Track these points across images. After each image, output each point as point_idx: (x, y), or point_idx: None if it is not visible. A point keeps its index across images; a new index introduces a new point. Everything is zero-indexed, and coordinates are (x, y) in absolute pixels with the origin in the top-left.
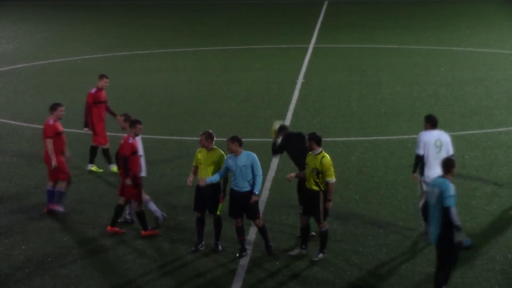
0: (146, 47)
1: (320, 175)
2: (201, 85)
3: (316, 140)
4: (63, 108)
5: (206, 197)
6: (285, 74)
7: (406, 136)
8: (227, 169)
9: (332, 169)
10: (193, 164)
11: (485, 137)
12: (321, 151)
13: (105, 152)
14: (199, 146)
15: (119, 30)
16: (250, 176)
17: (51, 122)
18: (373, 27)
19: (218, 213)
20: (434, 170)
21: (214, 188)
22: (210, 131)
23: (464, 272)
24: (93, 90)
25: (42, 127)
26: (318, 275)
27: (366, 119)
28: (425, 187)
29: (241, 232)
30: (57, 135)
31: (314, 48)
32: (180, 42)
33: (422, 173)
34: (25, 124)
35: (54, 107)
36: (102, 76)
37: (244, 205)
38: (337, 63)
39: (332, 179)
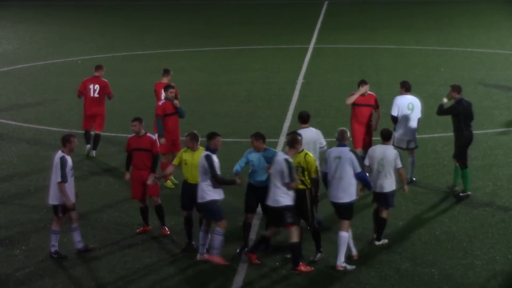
0: (146, 48)
1: (305, 173)
2: (201, 85)
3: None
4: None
5: (194, 195)
6: (285, 74)
7: None
8: (248, 163)
9: (316, 165)
10: (174, 163)
11: (485, 137)
12: (303, 149)
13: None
14: None
15: (119, 31)
16: None
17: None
18: (373, 27)
19: None
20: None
21: None
22: (195, 132)
23: (464, 272)
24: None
25: (41, 127)
26: (319, 275)
27: None
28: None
29: (248, 229)
30: None
31: (314, 48)
32: (180, 42)
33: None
34: (25, 124)
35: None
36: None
37: (262, 199)
38: (337, 63)
39: (317, 175)
